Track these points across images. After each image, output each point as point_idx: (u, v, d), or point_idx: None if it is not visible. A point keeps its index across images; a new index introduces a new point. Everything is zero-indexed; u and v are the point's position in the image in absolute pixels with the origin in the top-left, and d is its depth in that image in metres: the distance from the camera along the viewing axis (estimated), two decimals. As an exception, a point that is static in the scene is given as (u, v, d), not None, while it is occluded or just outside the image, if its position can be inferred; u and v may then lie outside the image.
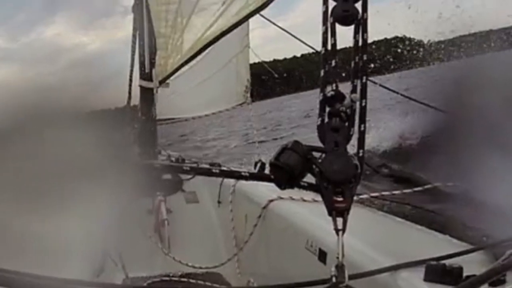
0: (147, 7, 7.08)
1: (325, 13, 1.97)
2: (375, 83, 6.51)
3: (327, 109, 1.98)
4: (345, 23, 1.97)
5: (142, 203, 6.28)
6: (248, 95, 9.46)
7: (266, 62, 10.41)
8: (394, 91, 7.45)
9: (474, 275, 2.52)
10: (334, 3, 1.96)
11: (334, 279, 1.89)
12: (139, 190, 5.86)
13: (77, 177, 2.27)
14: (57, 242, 2.61)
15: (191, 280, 5.49)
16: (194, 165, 5.53)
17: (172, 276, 5.63)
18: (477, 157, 3.12)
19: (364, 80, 2.00)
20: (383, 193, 4.91)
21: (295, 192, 4.32)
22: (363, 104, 1.98)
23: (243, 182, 5.58)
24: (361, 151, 1.98)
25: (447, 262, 2.82)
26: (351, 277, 1.94)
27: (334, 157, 1.93)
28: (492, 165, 2.98)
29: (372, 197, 4.71)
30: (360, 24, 1.98)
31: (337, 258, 1.90)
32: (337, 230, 1.90)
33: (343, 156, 1.93)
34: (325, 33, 1.98)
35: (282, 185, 2.11)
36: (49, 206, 2.28)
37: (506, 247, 2.71)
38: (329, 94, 1.99)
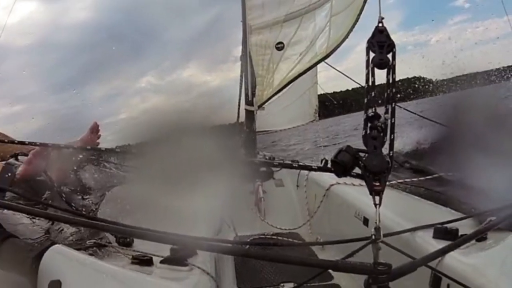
0: (250, 57, 7.20)
1: (367, 61, 1.97)
2: (400, 107, 6.47)
3: (369, 124, 1.98)
4: (380, 67, 1.97)
5: (246, 187, 6.36)
6: (317, 115, 9.54)
7: (328, 93, 10.41)
8: (413, 113, 7.38)
9: (466, 234, 2.54)
10: (373, 55, 1.96)
11: (373, 237, 1.88)
12: (245, 178, 6.02)
13: (204, 169, 2.29)
14: (190, 212, 2.64)
15: (279, 237, 5.52)
16: (281, 161, 5.56)
17: (266, 235, 5.67)
18: (468, 156, 3.13)
19: (393, 105, 1.99)
20: (406, 180, 4.89)
21: (348, 179, 4.32)
22: (393, 121, 1.98)
23: (313, 172, 5.61)
24: (391, 152, 1.98)
25: (448, 225, 2.82)
26: (385, 236, 1.92)
27: (373, 156, 1.93)
28: (478, 161, 2.98)
29: (398, 182, 4.69)
30: (391, 68, 1.97)
31: (376, 223, 1.90)
32: (375, 204, 1.90)
33: (380, 155, 1.93)
34: (367, 74, 1.98)
35: (339, 175, 2.11)
36: (186, 189, 2.30)
37: (487, 215, 2.72)
38: (370, 115, 1.98)
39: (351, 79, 8.23)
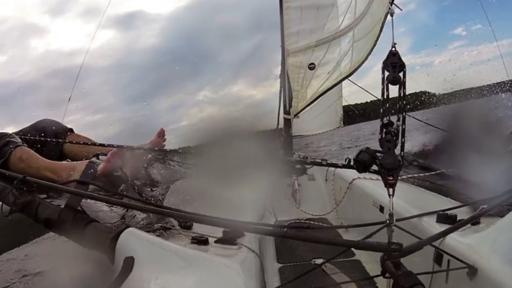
0: (287, 75, 7.24)
1: (383, 78, 1.96)
2: (409, 116, 6.43)
3: (384, 130, 1.97)
4: (394, 83, 1.95)
5: (284, 180, 6.39)
6: (341, 122, 9.50)
7: (351, 105, 10.31)
8: (420, 120, 7.33)
9: (463, 219, 2.54)
10: (388, 73, 1.95)
11: (387, 221, 1.88)
12: (283, 173, 6.05)
13: (250, 166, 2.29)
14: (239, 201, 2.65)
15: (311, 222, 5.52)
16: (312, 159, 5.53)
17: (301, 220, 5.66)
18: (465, 155, 3.10)
19: (404, 115, 1.98)
20: (414, 175, 4.87)
21: (367, 175, 4.28)
22: (403, 127, 1.96)
23: (338, 169, 5.58)
24: (402, 152, 1.97)
25: (448, 212, 2.80)
26: (397, 220, 1.92)
27: (388, 156, 1.92)
28: (473, 160, 2.96)
29: (408, 177, 4.66)
30: (402, 84, 1.96)
31: (390, 210, 1.89)
32: (389, 195, 1.89)
33: (393, 155, 1.92)
34: (383, 89, 1.97)
35: (360, 171, 2.10)
36: (235, 182, 2.31)
37: (480, 204, 2.73)
38: (385, 122, 1.97)
39: (369, 93, 8.18)
